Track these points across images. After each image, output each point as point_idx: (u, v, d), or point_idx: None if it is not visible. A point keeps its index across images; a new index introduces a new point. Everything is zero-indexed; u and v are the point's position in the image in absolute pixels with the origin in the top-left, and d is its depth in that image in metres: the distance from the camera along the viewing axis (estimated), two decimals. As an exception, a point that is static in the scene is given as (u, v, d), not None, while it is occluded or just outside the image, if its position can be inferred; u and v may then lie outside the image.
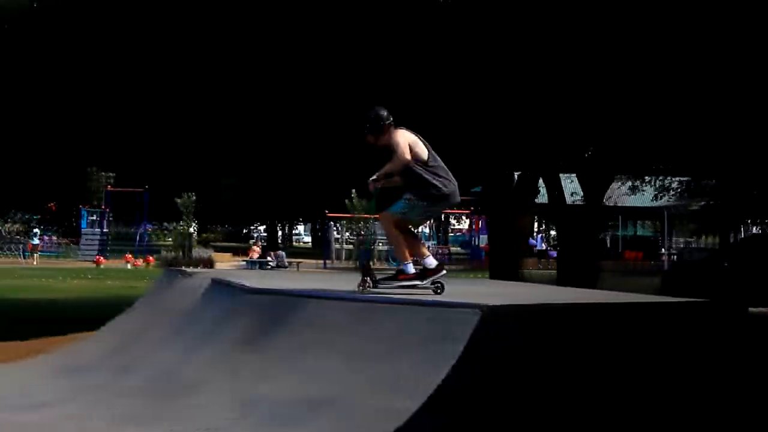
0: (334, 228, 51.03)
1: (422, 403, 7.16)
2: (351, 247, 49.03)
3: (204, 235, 60.79)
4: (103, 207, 56.48)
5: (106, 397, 8.19)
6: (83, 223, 57.21)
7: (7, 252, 53.10)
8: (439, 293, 9.09)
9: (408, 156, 9.03)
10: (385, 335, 8.33)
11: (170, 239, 52.87)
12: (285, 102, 21.83)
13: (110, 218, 56.60)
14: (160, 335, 10.82)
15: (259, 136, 23.39)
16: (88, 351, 11.69)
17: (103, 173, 54.88)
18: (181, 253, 44.98)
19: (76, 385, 10.37)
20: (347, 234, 49.01)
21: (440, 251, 47.92)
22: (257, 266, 41.50)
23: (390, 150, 9.24)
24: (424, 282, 9.23)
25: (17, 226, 63.70)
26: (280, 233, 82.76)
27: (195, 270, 13.75)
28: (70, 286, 31.73)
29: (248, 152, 25.14)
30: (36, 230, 54.66)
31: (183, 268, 14.99)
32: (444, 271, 9.37)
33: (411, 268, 9.27)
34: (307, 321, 9.22)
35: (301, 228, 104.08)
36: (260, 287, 10.58)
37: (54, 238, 58.16)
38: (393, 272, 9.53)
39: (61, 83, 23.16)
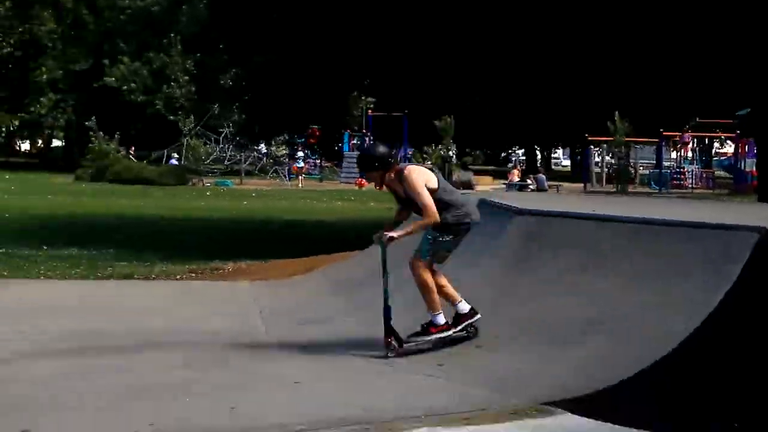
0: (595, 151, 50.17)
1: (697, 327, 6.99)
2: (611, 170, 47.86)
3: (463, 158, 60.94)
4: (364, 131, 57.39)
5: (378, 312, 8.37)
6: (345, 147, 58.41)
7: (273, 175, 55.01)
8: (472, 338, 8.36)
9: (437, 214, 8.24)
10: (659, 256, 8.14)
11: (428, 162, 53.25)
12: (548, 24, 21.53)
13: (372, 142, 57.47)
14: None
15: (519, 56, 23.13)
16: (357, 269, 11.98)
17: (363, 97, 55.58)
18: (441, 176, 45.22)
19: (350, 301, 10.76)
20: (608, 158, 47.91)
21: (704, 175, 46.44)
22: (516, 188, 41.49)
23: (393, 190, 8.60)
24: (458, 329, 8.39)
25: (282, 148, 65.58)
26: (539, 157, 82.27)
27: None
28: (335, 207, 32.57)
29: (507, 73, 24.90)
30: (300, 153, 56.00)
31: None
32: (478, 315, 8.43)
33: (441, 319, 8.37)
34: (577, 242, 9.12)
35: (560, 152, 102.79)
36: (528, 208, 10.53)
37: (318, 161, 59.55)
38: (420, 327, 8.45)
39: (324, 14, 23.62)
